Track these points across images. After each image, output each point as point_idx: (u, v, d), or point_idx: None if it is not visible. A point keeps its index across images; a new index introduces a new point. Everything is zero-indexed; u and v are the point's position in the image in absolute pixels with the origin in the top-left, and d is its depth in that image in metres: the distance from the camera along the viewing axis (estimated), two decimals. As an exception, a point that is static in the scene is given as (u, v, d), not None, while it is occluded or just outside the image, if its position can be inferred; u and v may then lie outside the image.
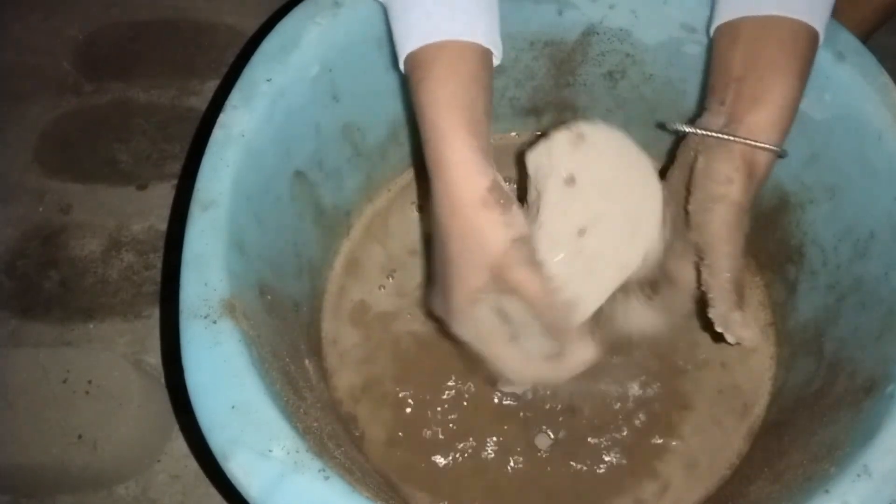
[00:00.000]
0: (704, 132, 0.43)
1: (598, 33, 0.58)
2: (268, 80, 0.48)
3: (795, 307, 0.57)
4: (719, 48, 0.46)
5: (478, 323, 0.41)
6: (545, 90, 0.63)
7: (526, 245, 0.40)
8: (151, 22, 0.90)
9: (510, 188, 0.40)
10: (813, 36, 0.44)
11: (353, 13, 0.51)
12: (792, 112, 0.43)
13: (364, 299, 0.61)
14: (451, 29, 0.42)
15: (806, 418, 0.50)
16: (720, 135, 0.43)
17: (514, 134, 0.67)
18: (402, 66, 0.44)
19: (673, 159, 0.49)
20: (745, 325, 0.43)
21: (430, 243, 0.42)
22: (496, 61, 0.45)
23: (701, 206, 0.43)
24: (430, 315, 0.40)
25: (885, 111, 0.48)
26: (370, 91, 0.56)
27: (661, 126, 0.61)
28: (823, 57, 0.49)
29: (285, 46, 0.49)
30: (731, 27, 0.45)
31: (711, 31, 0.47)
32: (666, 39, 0.56)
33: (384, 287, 0.61)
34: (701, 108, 0.46)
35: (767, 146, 0.42)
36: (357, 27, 0.51)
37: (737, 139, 0.42)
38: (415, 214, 0.64)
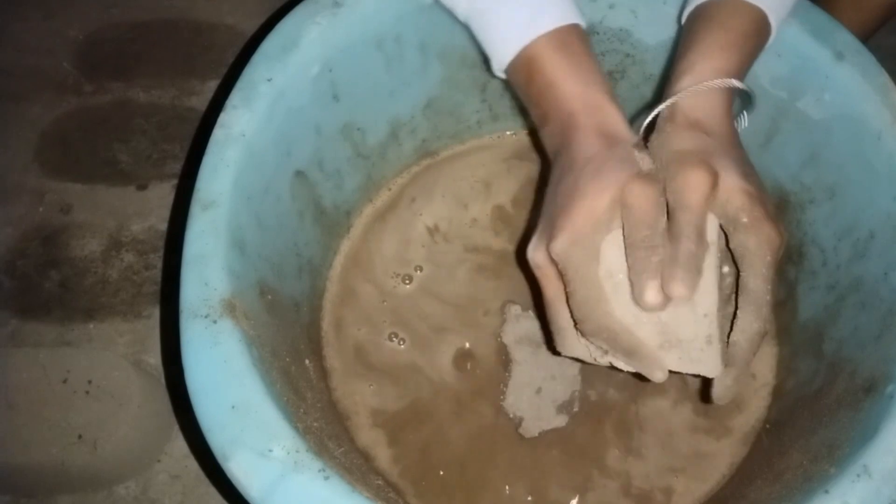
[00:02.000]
0: (646, 120, 0.43)
1: (598, 33, 0.58)
2: (268, 80, 0.48)
3: (795, 307, 0.57)
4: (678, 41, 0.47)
5: (577, 253, 0.39)
6: (545, 90, 0.63)
7: (650, 175, 0.39)
8: (151, 22, 0.90)
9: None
10: (758, 16, 0.44)
11: (353, 13, 0.51)
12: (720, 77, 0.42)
13: (364, 299, 0.61)
14: (541, 24, 0.43)
15: (806, 418, 0.50)
16: (652, 113, 0.43)
17: (514, 136, 0.67)
18: (501, 74, 0.46)
19: None
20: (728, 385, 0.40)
21: (543, 195, 0.43)
22: (584, 25, 0.46)
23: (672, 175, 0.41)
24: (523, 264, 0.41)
25: (885, 111, 0.47)
26: (370, 91, 0.56)
27: None
28: (823, 57, 0.49)
29: (285, 46, 0.49)
30: (688, 19, 0.47)
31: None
32: (666, 39, 0.56)
33: (384, 286, 0.61)
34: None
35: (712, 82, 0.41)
36: (357, 27, 0.51)
37: (665, 103, 0.42)
38: (415, 214, 0.64)
